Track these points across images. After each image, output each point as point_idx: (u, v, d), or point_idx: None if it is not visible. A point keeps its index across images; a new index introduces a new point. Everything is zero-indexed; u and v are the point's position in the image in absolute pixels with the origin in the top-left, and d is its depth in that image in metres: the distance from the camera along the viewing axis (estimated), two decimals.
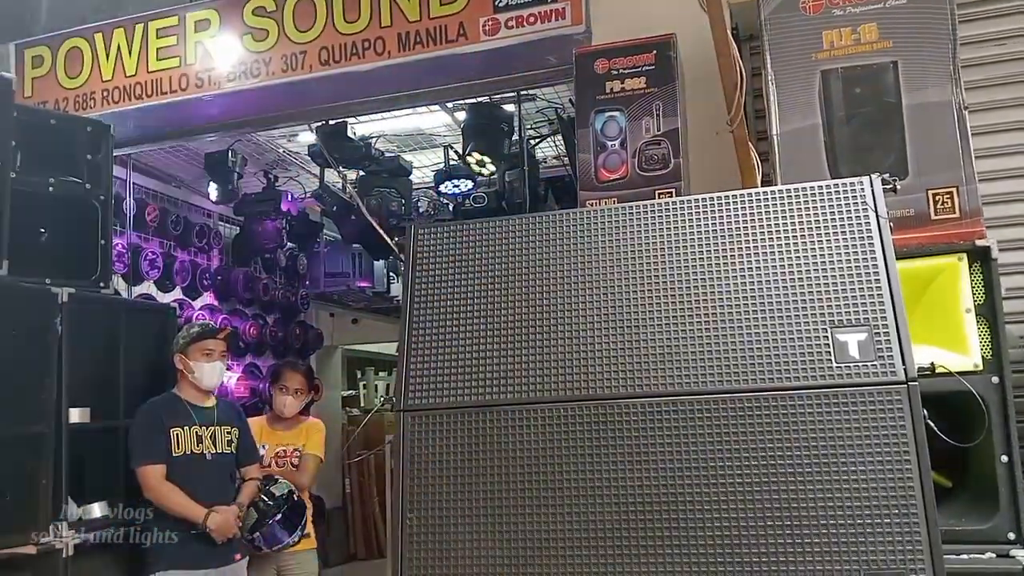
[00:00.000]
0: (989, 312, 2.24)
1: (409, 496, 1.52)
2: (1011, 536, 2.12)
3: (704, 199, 1.63)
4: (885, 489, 1.36)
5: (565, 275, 1.62)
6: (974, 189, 2.37)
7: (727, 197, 1.62)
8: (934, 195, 2.40)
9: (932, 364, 1.92)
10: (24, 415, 3.12)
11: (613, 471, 1.46)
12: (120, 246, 5.20)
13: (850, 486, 1.37)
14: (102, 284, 3.62)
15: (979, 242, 2.27)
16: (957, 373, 2.05)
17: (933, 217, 2.38)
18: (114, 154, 3.89)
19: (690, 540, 1.41)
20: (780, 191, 1.61)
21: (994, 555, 2.10)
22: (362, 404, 10.84)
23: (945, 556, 1.34)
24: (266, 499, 3.61)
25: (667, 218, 1.63)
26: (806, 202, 1.58)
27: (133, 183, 5.50)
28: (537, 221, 1.70)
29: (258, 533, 3.56)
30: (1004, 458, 2.13)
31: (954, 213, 2.38)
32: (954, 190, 2.39)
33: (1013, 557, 2.09)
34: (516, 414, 1.54)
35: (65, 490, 3.19)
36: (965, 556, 1.99)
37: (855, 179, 1.57)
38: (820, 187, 1.59)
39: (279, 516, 3.59)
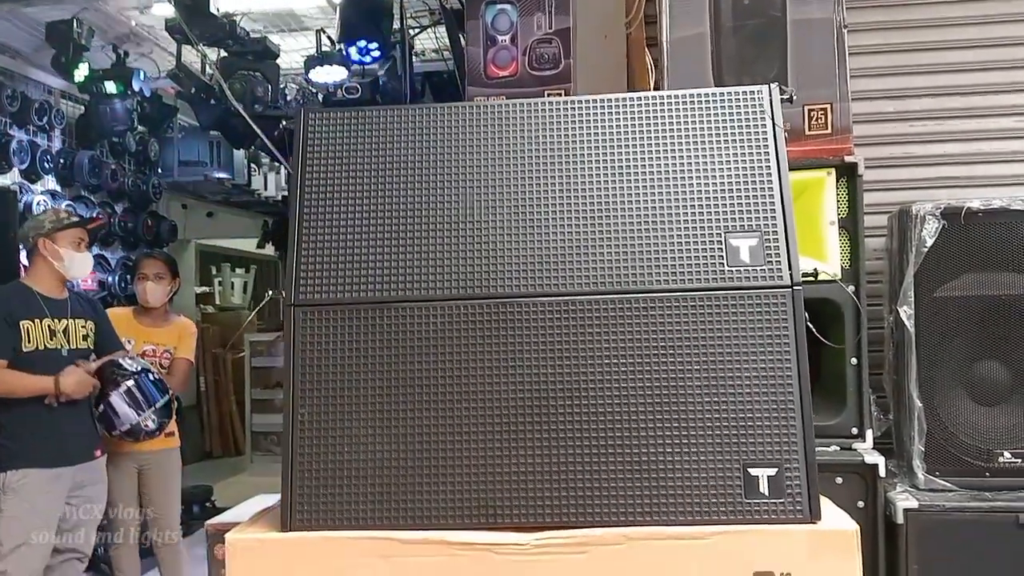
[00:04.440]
0: (851, 225, 2.37)
1: (300, 391, 1.48)
2: (854, 431, 2.31)
3: (607, 99, 1.61)
4: (766, 386, 1.43)
5: (463, 171, 1.58)
6: (847, 107, 2.46)
7: (629, 99, 1.61)
8: (809, 111, 2.49)
9: (815, 270, 2.04)
10: None
11: (509, 369, 1.47)
12: None
13: (734, 383, 1.43)
14: None
15: (847, 158, 2.38)
16: (817, 280, 2.18)
17: (807, 132, 2.47)
18: None
19: (580, 435, 1.45)
20: (678, 95, 1.61)
21: (839, 448, 2.30)
22: (218, 302, 10.49)
23: None
24: (114, 369, 3.32)
25: (567, 116, 1.60)
26: (703, 107, 1.59)
27: None
28: (436, 112, 1.63)
29: (103, 406, 3.29)
30: (854, 360, 2.31)
31: (827, 129, 2.47)
32: (828, 107, 2.48)
33: (855, 450, 2.29)
34: (410, 311, 1.50)
35: None
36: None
37: (753, 87, 1.59)
38: (718, 93, 1.60)
39: (124, 388, 3.30)
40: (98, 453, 3.33)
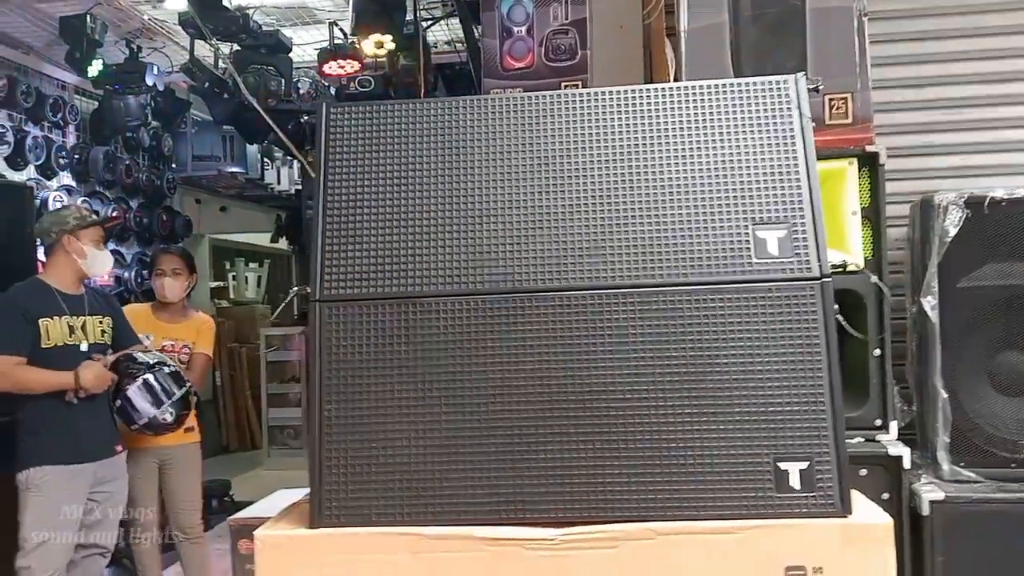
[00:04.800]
0: (873, 215, 2.35)
1: (327, 387, 1.48)
2: (878, 423, 2.30)
3: (629, 91, 1.59)
4: (796, 379, 1.42)
5: (483, 164, 1.57)
6: (867, 96, 2.44)
7: (651, 90, 1.59)
8: (830, 100, 2.46)
9: (844, 262, 2.03)
10: None
11: (534, 363, 1.46)
12: None
13: (763, 376, 1.42)
14: None
15: (868, 148, 2.36)
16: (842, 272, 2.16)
17: (827, 122, 2.45)
18: None
19: (608, 429, 1.44)
20: (702, 86, 1.59)
21: (863, 439, 2.29)
22: (232, 296, 10.53)
23: None
24: (128, 363, 3.30)
25: (592, 109, 1.59)
26: (728, 98, 1.57)
27: None
28: (455, 106, 1.62)
29: (120, 400, 3.27)
30: (876, 352, 2.29)
31: (847, 119, 2.45)
32: (848, 96, 2.46)
33: (878, 442, 2.28)
34: (435, 306, 1.50)
35: None
36: None
37: (780, 77, 1.57)
38: (743, 84, 1.59)
39: (140, 382, 3.26)
40: (118, 449, 3.34)
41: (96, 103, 6.01)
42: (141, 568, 3.86)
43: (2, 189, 4.00)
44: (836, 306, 1.48)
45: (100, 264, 3.36)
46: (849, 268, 2.24)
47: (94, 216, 3.36)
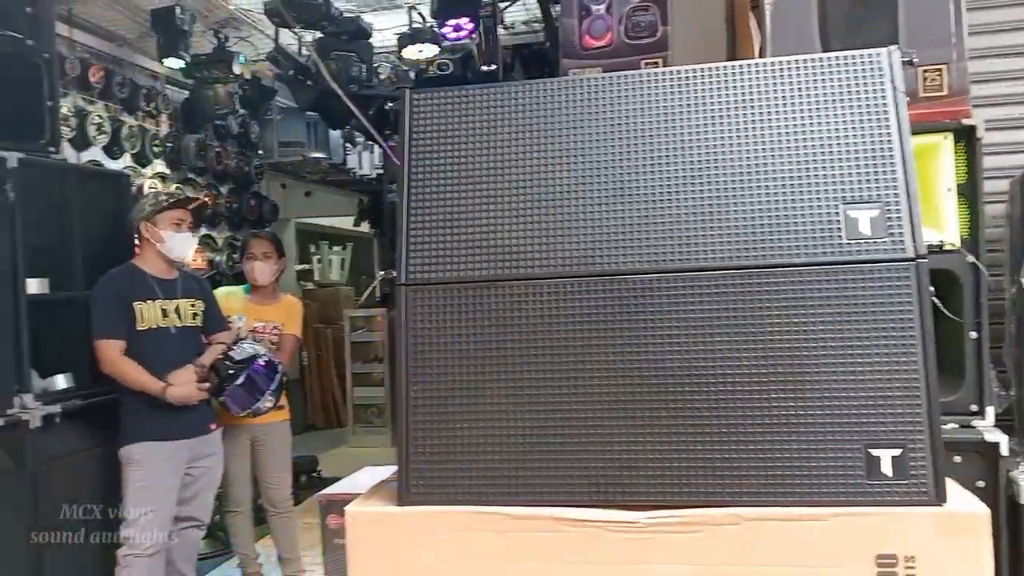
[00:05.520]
0: (970, 191, 2.26)
1: (413, 368, 1.51)
2: (974, 408, 2.21)
3: (715, 68, 1.56)
4: (889, 364, 1.38)
5: (566, 146, 1.56)
6: (964, 67, 2.33)
7: (738, 67, 1.56)
8: (924, 72, 2.36)
9: (939, 241, 1.95)
10: None
11: (619, 346, 1.46)
12: (64, 109, 4.92)
13: (855, 360, 1.39)
14: (52, 148, 3.44)
15: (965, 121, 2.26)
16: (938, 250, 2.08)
17: (921, 94, 2.35)
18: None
19: (693, 412, 1.43)
20: (790, 62, 1.55)
21: (957, 425, 2.21)
22: (316, 278, 10.79)
23: None
24: (226, 363, 3.50)
25: (675, 88, 1.56)
26: (817, 74, 1.52)
27: (75, 42, 5.15)
28: (535, 89, 1.62)
29: (225, 396, 3.50)
30: (973, 334, 2.20)
31: (942, 91, 2.35)
32: (944, 68, 2.35)
33: (974, 428, 2.20)
34: (518, 289, 1.51)
35: (27, 362, 3.12)
36: None
37: (871, 51, 1.52)
38: (832, 58, 1.53)
39: (241, 379, 3.49)
40: (213, 427, 3.48)
41: (187, 92, 6.21)
42: (234, 540, 4.03)
43: (101, 177, 4.17)
44: (931, 287, 1.43)
45: (180, 247, 3.42)
46: (945, 247, 2.15)
47: (170, 200, 3.44)
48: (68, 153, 4.96)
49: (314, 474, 6.30)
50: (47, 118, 3.40)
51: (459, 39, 4.57)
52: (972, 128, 2.24)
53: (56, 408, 3.20)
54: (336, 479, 3.96)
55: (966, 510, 1.35)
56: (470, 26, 4.43)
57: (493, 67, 4.75)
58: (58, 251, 3.39)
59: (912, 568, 1.32)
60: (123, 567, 3.14)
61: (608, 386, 1.46)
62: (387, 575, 1.48)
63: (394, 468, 1.56)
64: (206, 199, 4.87)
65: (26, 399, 3.09)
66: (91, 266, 3.43)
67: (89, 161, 5.24)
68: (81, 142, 5.17)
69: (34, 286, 3.20)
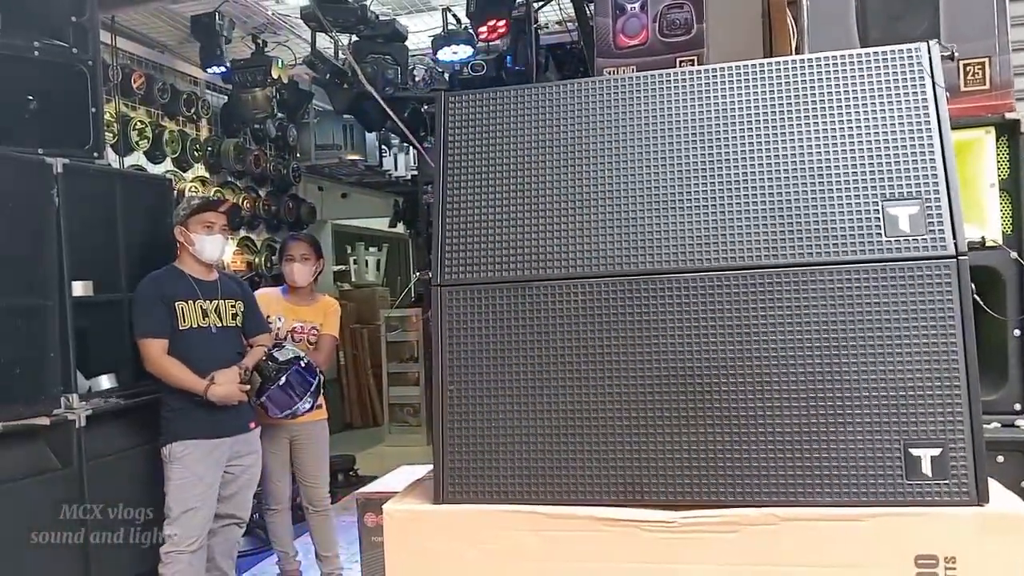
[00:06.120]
0: (1013, 187, 2.21)
1: (449, 368, 1.52)
2: (1017, 407, 2.17)
3: (750, 65, 1.55)
4: (929, 362, 1.36)
5: (599, 146, 1.56)
6: (1007, 60, 2.28)
7: (773, 64, 1.54)
8: (965, 66, 2.32)
9: (981, 238, 1.92)
10: (27, 288, 3.08)
11: (654, 345, 1.45)
12: (107, 115, 5.03)
13: (895, 359, 1.37)
14: (96, 154, 3.51)
15: (1008, 115, 2.22)
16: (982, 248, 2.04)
17: (963, 89, 2.31)
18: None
19: (733, 413, 1.42)
20: (827, 57, 1.53)
21: (1000, 425, 2.16)
22: (353, 279, 10.88)
23: None
24: (270, 363, 3.58)
25: (711, 86, 1.55)
26: (855, 70, 1.51)
27: (117, 48, 5.26)
28: (569, 89, 1.62)
29: (264, 398, 3.57)
30: (1016, 332, 2.16)
31: (984, 85, 2.30)
32: (986, 61, 2.31)
33: (1018, 427, 2.15)
34: (553, 289, 1.51)
35: (73, 363, 3.20)
36: None
37: (910, 45, 1.49)
38: (870, 54, 1.52)
39: (282, 381, 3.56)
40: (252, 425, 3.53)
41: (226, 97, 6.31)
42: (273, 537, 4.08)
43: (143, 182, 4.24)
44: (972, 284, 1.41)
45: (210, 249, 3.46)
46: (987, 244, 2.11)
47: (199, 203, 3.51)
48: (111, 158, 5.07)
49: (351, 473, 6.35)
50: (91, 125, 3.47)
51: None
52: (1016, 122, 2.20)
53: (101, 407, 3.27)
54: (372, 478, 3.99)
55: (1009, 511, 1.33)
56: (502, 28, 4.44)
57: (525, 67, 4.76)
58: (102, 254, 3.46)
59: (953, 569, 1.30)
60: (166, 563, 3.21)
61: (643, 385, 1.46)
62: (423, 573, 1.50)
63: (430, 467, 1.58)
64: (234, 201, 4.93)
65: (72, 399, 3.16)
66: (134, 269, 3.50)
67: (131, 166, 5.36)
68: (124, 147, 5.28)
69: (79, 288, 3.27)
